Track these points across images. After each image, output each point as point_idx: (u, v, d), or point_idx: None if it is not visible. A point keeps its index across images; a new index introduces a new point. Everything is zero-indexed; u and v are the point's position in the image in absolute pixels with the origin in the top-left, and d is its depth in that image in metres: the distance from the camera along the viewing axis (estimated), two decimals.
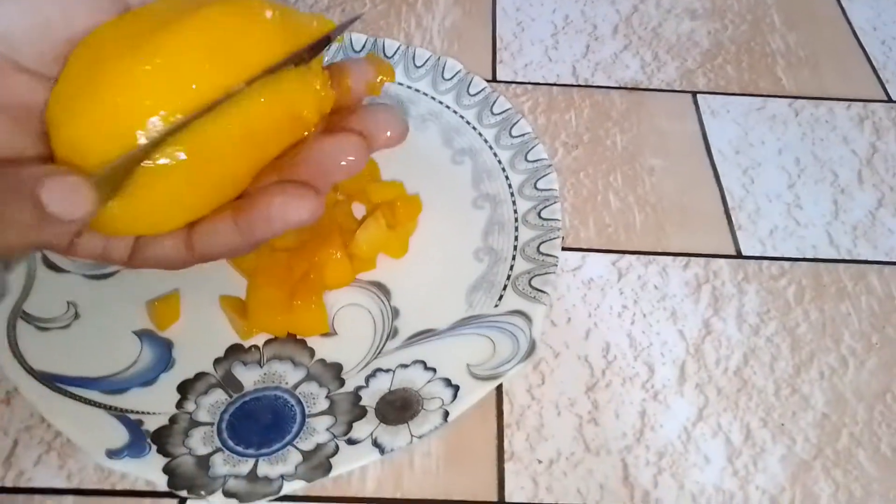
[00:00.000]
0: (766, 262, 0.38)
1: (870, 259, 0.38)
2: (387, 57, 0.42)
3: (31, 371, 0.29)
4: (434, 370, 0.31)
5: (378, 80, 0.25)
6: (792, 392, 0.33)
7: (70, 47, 0.21)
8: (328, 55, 0.41)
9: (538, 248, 0.34)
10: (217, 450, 0.28)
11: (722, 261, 0.37)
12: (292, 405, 0.30)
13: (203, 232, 0.23)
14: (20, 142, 0.21)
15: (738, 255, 0.38)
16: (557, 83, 0.45)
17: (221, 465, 0.27)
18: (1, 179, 0.16)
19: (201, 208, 0.22)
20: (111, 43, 0.21)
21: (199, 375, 0.30)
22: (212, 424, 0.29)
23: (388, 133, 0.25)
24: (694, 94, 0.45)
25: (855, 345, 0.35)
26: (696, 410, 0.32)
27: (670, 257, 0.37)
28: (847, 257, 0.38)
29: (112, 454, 0.27)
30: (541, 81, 0.45)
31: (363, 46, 0.43)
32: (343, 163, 0.23)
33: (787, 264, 0.38)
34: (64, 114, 0.20)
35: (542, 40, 0.48)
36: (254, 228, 0.22)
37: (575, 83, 0.45)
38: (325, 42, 0.23)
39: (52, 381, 0.29)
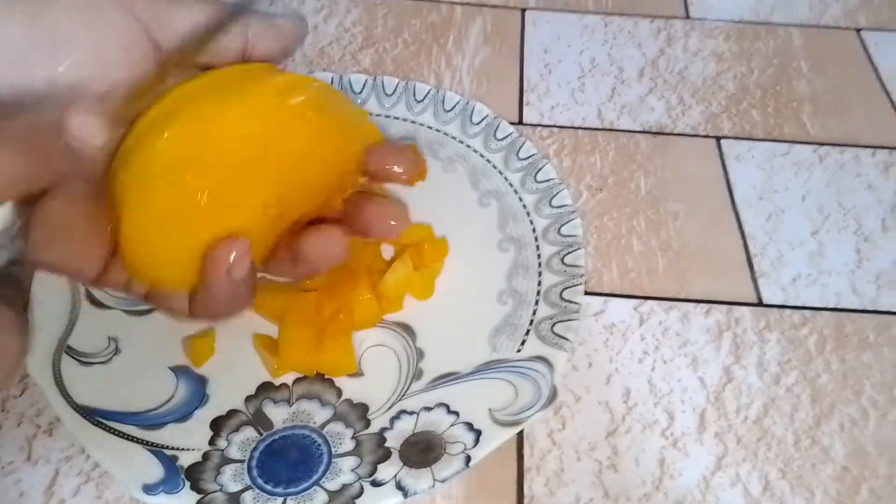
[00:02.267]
0: (787, 311, 0.38)
1: (893, 310, 0.38)
2: (417, 101, 0.44)
3: (73, 404, 0.30)
4: (457, 414, 0.31)
5: (411, 179, 0.27)
6: (812, 443, 0.33)
7: (105, 103, 0.22)
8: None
9: (561, 293, 0.35)
10: (247, 487, 0.29)
11: (744, 308, 0.38)
12: (319, 444, 0.31)
13: (198, 301, 0.24)
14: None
15: (760, 303, 0.38)
16: (583, 126, 0.46)
17: (251, 503, 0.28)
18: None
19: None
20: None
21: (232, 412, 0.32)
22: (242, 462, 0.30)
23: (392, 222, 0.26)
24: (718, 139, 0.46)
25: (876, 396, 0.35)
26: (714, 459, 0.33)
27: (692, 304, 0.38)
28: (870, 307, 0.38)
29: (148, 489, 0.28)
30: (567, 124, 0.46)
31: (395, 90, 0.44)
32: (324, 253, 0.24)
33: (808, 313, 0.38)
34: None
35: (568, 82, 0.49)
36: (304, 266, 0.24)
37: (600, 126, 0.46)
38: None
39: (92, 415, 0.30)
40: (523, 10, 0.54)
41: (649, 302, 0.38)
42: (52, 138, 0.20)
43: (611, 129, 0.46)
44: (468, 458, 0.29)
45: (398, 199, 0.27)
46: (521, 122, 0.46)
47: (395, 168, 0.27)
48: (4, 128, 0.19)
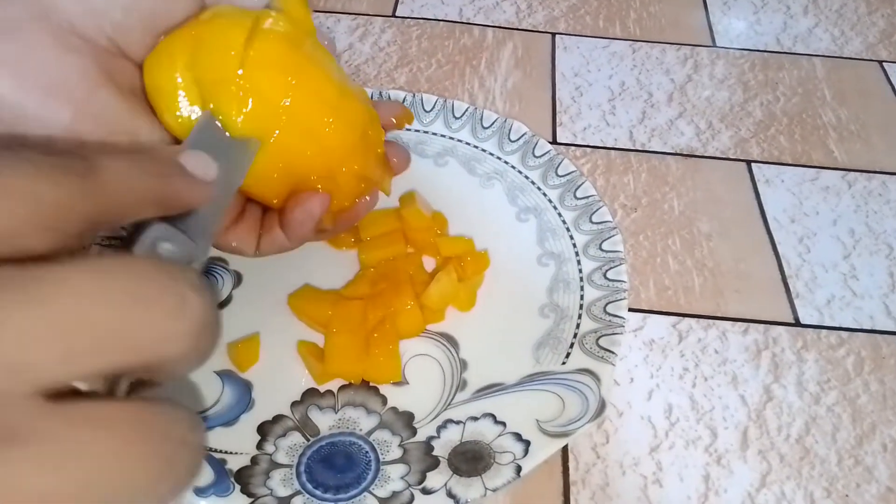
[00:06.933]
0: (824, 332, 0.38)
1: None
2: (455, 118, 0.44)
3: None
4: (504, 424, 0.31)
5: (400, 119, 0.32)
6: (855, 463, 0.33)
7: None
8: None
9: (605, 308, 0.35)
10: (297, 492, 0.29)
11: (781, 328, 0.38)
12: (367, 451, 0.31)
13: (266, 241, 0.29)
14: (136, 123, 0.24)
15: (797, 323, 0.38)
16: (615, 147, 0.47)
17: None
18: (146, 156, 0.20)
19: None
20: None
21: (277, 418, 0.31)
22: (291, 467, 0.30)
23: (395, 160, 0.31)
24: (748, 162, 0.47)
25: None
26: (759, 477, 0.33)
27: (729, 322, 0.38)
28: None
29: (199, 492, 0.28)
30: (599, 145, 0.47)
31: (433, 106, 0.45)
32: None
33: (845, 334, 0.38)
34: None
35: (599, 105, 0.50)
36: (294, 232, 0.28)
37: (632, 147, 0.47)
38: None
39: None
40: (553, 35, 0.55)
41: (687, 319, 0.38)
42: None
43: (643, 151, 0.47)
44: (518, 468, 0.29)
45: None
46: (554, 142, 0.47)
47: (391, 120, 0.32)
48: None
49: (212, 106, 0.24)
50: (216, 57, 0.24)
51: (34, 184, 0.15)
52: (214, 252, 0.38)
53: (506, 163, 0.43)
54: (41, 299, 0.13)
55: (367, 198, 0.29)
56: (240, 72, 0.24)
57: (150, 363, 0.15)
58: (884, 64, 0.55)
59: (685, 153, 0.47)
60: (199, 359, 0.16)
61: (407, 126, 0.32)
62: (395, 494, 0.29)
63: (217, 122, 0.24)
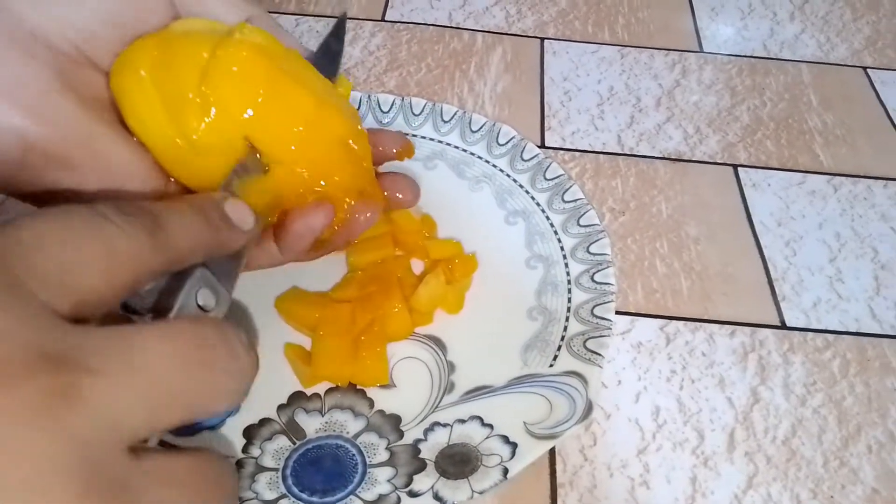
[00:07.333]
0: (810, 334, 0.38)
1: None
2: (444, 122, 0.45)
3: None
4: (491, 427, 0.31)
5: (401, 152, 0.32)
6: (841, 465, 0.33)
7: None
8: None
9: (592, 310, 0.35)
10: (282, 496, 0.28)
11: (767, 331, 0.38)
12: (353, 454, 0.30)
13: (256, 254, 0.28)
14: (94, 129, 0.23)
15: (783, 326, 0.39)
16: (604, 151, 0.47)
17: None
18: (190, 202, 0.21)
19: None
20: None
21: (264, 421, 0.31)
22: (276, 470, 0.29)
23: (400, 196, 0.32)
24: (735, 167, 0.47)
25: None
26: (745, 478, 0.33)
27: (716, 325, 0.38)
28: (890, 332, 0.39)
29: None
30: (588, 149, 0.47)
31: (422, 110, 0.45)
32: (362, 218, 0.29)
33: (831, 337, 0.38)
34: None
35: (588, 109, 0.50)
36: (290, 246, 0.27)
37: (620, 152, 0.47)
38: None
39: None
40: (542, 40, 0.55)
41: (675, 322, 0.38)
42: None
43: (631, 155, 0.47)
44: (505, 470, 0.29)
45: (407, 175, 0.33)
46: (543, 146, 0.47)
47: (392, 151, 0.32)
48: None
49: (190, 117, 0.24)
50: (181, 63, 0.24)
51: (111, 241, 0.17)
52: None
53: (494, 166, 0.43)
54: (138, 366, 0.15)
55: (368, 214, 0.29)
56: (201, 82, 0.24)
57: (201, 415, 0.16)
58: (868, 70, 0.55)
59: (673, 157, 0.47)
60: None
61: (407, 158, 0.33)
62: (381, 497, 0.29)
63: (247, 166, 0.25)
